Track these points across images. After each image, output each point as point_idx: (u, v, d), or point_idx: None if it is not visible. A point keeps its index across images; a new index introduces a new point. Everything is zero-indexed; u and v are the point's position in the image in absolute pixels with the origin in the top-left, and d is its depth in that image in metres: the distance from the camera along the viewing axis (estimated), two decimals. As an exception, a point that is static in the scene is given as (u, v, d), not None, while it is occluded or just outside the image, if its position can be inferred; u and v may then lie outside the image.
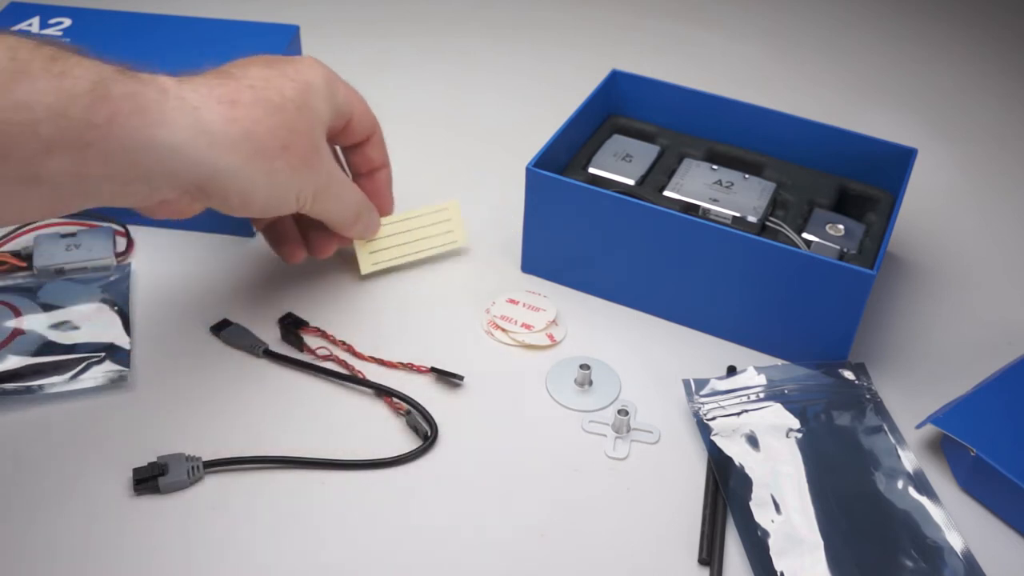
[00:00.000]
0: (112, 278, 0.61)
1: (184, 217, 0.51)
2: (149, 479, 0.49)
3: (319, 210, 0.55)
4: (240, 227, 0.66)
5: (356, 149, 0.60)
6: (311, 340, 0.58)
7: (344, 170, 0.61)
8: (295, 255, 0.61)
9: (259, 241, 0.66)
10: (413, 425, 0.53)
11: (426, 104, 0.84)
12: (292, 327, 0.59)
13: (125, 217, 0.66)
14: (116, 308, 0.58)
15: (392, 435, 0.53)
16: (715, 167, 0.65)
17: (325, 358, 0.57)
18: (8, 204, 0.43)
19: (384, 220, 0.63)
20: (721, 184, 0.64)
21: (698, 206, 0.62)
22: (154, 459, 0.50)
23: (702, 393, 0.56)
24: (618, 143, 0.68)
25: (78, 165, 0.42)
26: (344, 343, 0.58)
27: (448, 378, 0.56)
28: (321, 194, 0.54)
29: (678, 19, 1.02)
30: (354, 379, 0.56)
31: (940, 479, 0.53)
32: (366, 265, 0.63)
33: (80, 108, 0.41)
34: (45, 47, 0.41)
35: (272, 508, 0.49)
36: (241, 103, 0.48)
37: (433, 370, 0.56)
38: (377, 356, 0.57)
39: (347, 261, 0.64)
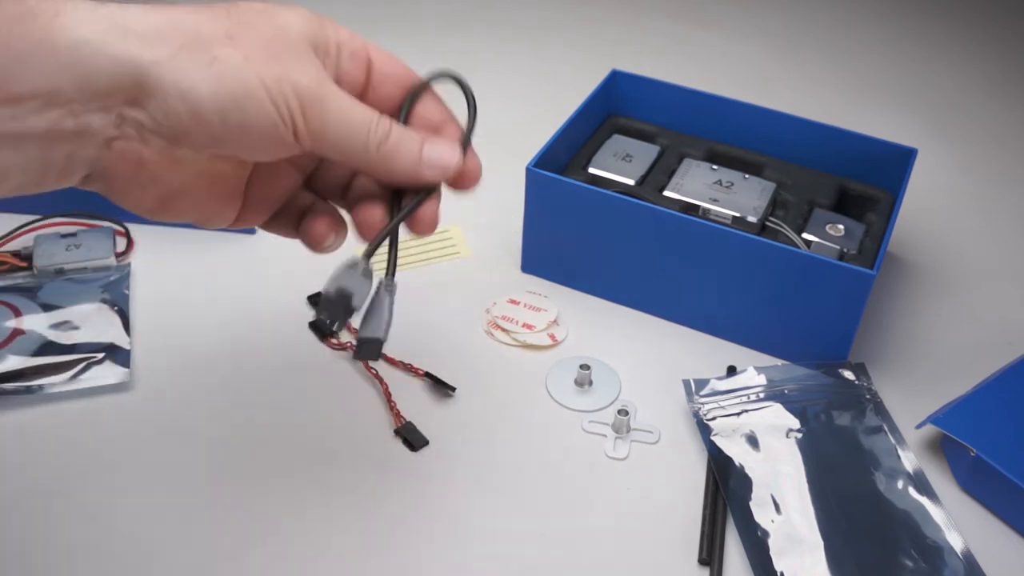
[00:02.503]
0: (112, 278, 0.61)
1: (171, 202, 0.41)
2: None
3: (319, 133, 0.40)
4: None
5: (407, 108, 0.45)
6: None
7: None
8: (319, 234, 0.45)
9: (260, 239, 0.66)
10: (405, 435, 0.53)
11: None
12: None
13: (125, 216, 0.66)
14: (116, 308, 0.58)
15: (390, 437, 0.54)
16: (715, 167, 0.65)
17: (341, 347, 0.58)
18: None
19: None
20: (721, 184, 0.64)
21: (698, 206, 0.62)
22: None
23: (702, 393, 0.56)
24: (618, 143, 0.68)
25: None
26: (357, 330, 0.58)
27: (442, 387, 0.56)
28: (310, 103, 0.39)
29: (678, 19, 1.02)
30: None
31: (940, 479, 0.53)
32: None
33: None
34: None
35: (272, 508, 0.49)
36: (168, 7, 0.38)
37: (428, 376, 0.56)
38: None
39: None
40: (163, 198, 0.40)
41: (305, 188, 0.47)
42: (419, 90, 0.45)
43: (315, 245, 0.46)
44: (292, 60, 0.39)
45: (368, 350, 0.44)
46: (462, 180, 0.45)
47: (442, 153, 0.44)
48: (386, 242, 0.44)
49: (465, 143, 0.46)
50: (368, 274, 0.43)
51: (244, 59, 0.38)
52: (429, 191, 0.44)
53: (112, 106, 0.37)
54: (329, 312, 0.43)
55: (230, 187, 0.43)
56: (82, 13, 0.36)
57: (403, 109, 0.44)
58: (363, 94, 0.44)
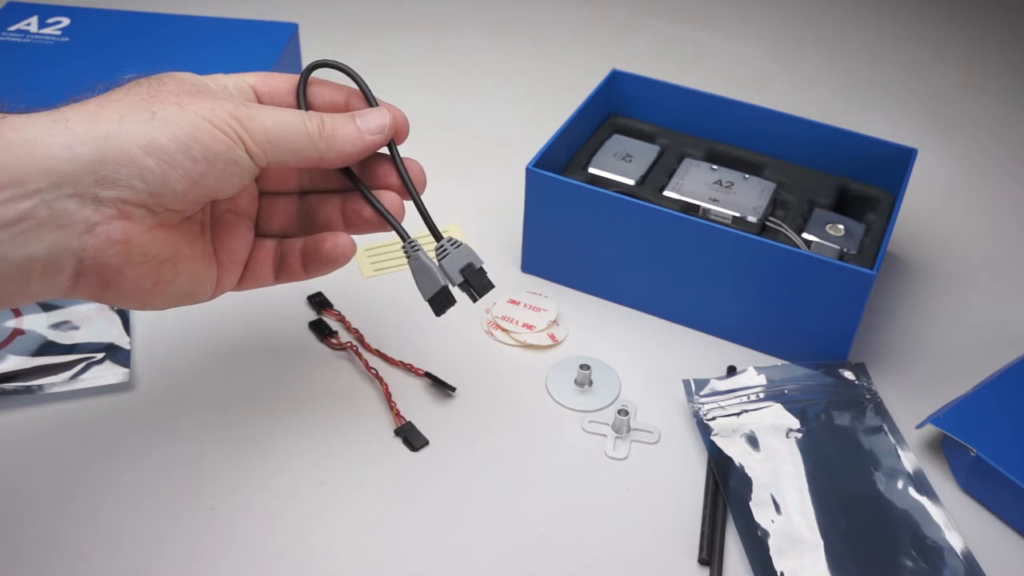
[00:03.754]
0: (112, 278, 0.61)
1: (177, 283, 0.43)
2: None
3: (267, 142, 0.43)
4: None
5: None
6: (331, 324, 0.60)
7: None
8: (337, 249, 0.48)
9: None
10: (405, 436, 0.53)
11: (426, 104, 0.84)
12: (320, 307, 0.61)
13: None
14: (116, 308, 0.58)
15: (388, 437, 0.54)
16: (715, 167, 0.65)
17: (341, 346, 0.58)
18: None
19: (385, 240, 0.64)
20: (721, 184, 0.64)
21: (698, 206, 0.62)
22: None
23: (702, 393, 0.56)
24: (618, 143, 0.68)
25: None
26: (357, 331, 0.59)
27: (442, 387, 0.56)
28: (249, 120, 0.42)
29: (678, 19, 1.02)
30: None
31: (940, 479, 0.53)
32: (367, 270, 0.64)
33: None
34: None
35: (271, 508, 0.49)
36: (87, 98, 0.41)
37: (428, 376, 0.56)
38: (381, 351, 0.58)
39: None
40: (157, 271, 0.42)
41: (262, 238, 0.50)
42: (303, 80, 0.48)
43: (297, 277, 0.49)
44: (209, 98, 0.42)
45: (441, 304, 0.48)
46: (398, 133, 0.49)
47: (373, 118, 0.48)
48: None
49: (373, 103, 0.49)
50: (419, 250, 0.48)
51: (175, 105, 0.41)
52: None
53: (85, 191, 0.38)
54: (445, 302, 0.48)
55: (206, 247, 0.45)
56: (22, 119, 0.38)
57: (299, 99, 0.48)
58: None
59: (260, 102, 0.47)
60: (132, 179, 0.39)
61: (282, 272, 0.49)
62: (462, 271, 0.48)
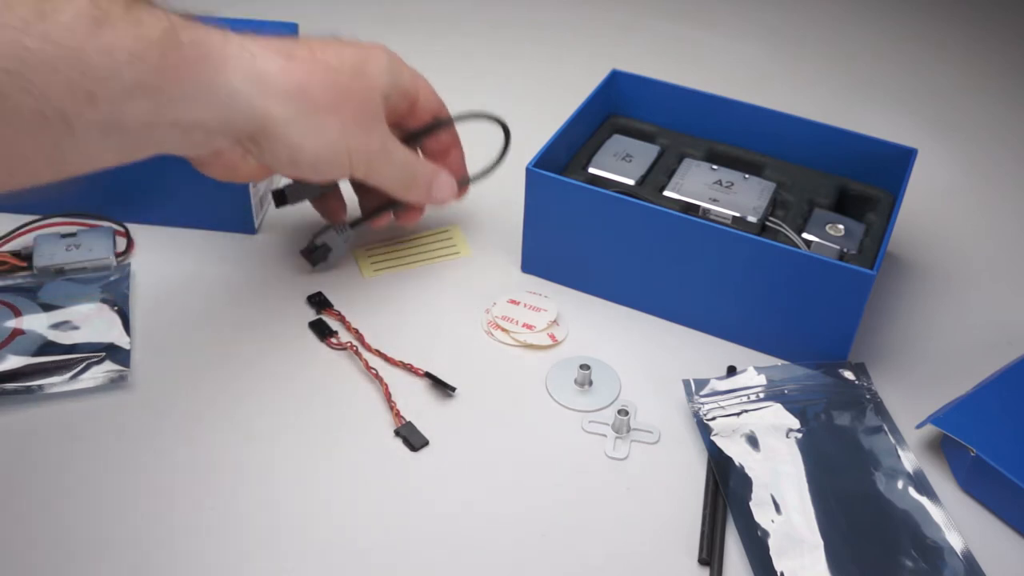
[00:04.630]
0: (112, 278, 0.61)
1: (235, 179, 0.53)
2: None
3: (374, 177, 0.56)
4: (241, 224, 0.66)
5: (427, 134, 0.61)
6: (331, 324, 0.60)
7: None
8: (337, 213, 0.63)
9: (260, 239, 0.66)
10: (404, 435, 0.53)
11: (426, 104, 0.84)
12: (320, 307, 0.61)
13: (125, 216, 0.66)
14: (116, 308, 0.58)
15: (390, 437, 0.54)
16: (715, 167, 0.65)
17: (341, 346, 0.58)
18: (88, 151, 0.44)
19: (385, 240, 0.65)
20: (721, 184, 0.64)
21: (698, 206, 0.62)
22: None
23: (702, 393, 0.56)
24: (618, 143, 0.68)
25: (152, 110, 0.44)
26: (357, 331, 0.59)
27: (442, 387, 0.56)
28: (375, 161, 0.55)
29: (678, 19, 1.02)
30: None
31: (940, 479, 0.53)
32: (367, 270, 0.64)
33: (155, 54, 0.43)
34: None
35: (271, 508, 0.49)
36: (297, 57, 0.50)
37: (428, 376, 0.56)
38: (381, 351, 0.58)
39: (350, 261, 0.65)
40: (223, 171, 0.53)
41: None
42: (437, 125, 0.61)
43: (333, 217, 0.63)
44: (372, 127, 0.54)
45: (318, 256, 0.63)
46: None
47: (443, 190, 0.61)
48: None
49: (463, 182, 0.63)
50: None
51: (341, 127, 0.52)
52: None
53: (240, 139, 0.50)
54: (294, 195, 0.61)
55: None
56: (241, 62, 0.48)
57: (424, 133, 0.61)
58: (406, 117, 0.59)
59: (411, 110, 0.59)
60: (267, 152, 0.51)
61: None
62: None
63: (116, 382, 0.54)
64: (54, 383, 0.53)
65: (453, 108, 0.63)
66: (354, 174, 0.55)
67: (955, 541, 0.49)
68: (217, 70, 0.47)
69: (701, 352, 0.60)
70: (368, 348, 0.58)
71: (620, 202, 0.59)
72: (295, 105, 0.50)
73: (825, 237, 0.61)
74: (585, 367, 0.57)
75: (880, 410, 0.56)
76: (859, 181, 0.67)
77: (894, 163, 0.65)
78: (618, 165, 0.65)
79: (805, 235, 0.61)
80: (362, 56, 0.54)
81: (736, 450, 0.52)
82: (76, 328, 0.57)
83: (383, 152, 0.55)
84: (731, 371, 0.58)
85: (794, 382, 0.57)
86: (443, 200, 0.61)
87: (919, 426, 0.54)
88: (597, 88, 0.69)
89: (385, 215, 0.63)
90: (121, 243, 0.64)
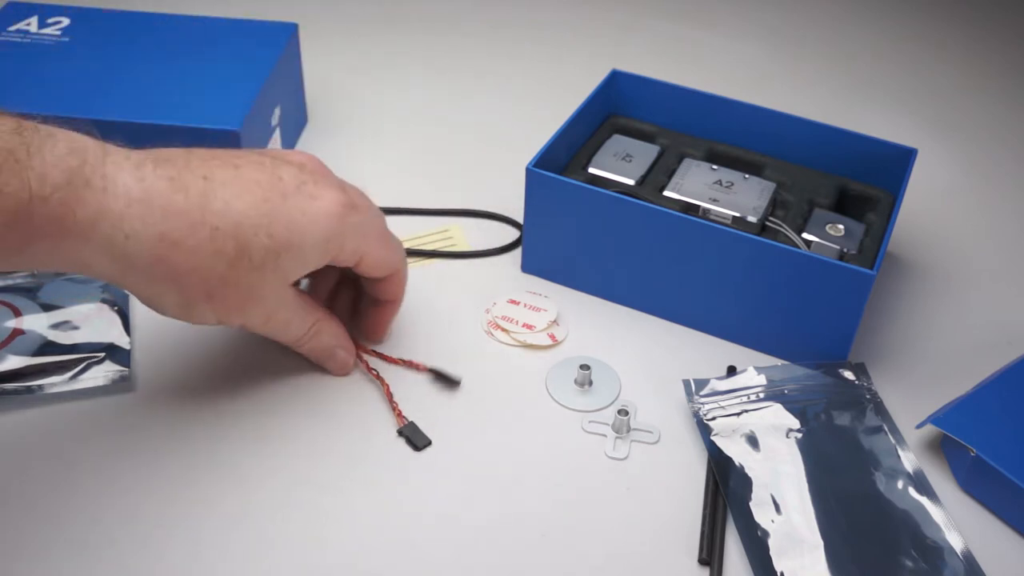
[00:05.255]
0: (112, 278, 0.61)
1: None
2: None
3: (268, 333, 0.52)
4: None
5: (372, 280, 0.56)
6: None
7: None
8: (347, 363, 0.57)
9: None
10: (408, 435, 0.53)
11: (426, 104, 0.84)
12: None
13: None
14: (116, 308, 0.58)
15: (390, 437, 0.54)
16: (715, 167, 0.65)
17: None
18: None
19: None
20: (721, 184, 0.64)
21: (698, 206, 0.62)
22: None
23: (702, 393, 0.56)
24: (618, 143, 0.68)
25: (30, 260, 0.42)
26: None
27: (446, 380, 0.56)
28: (262, 327, 0.51)
29: (678, 19, 1.02)
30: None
31: (940, 479, 0.53)
32: None
33: (6, 221, 0.40)
34: (26, 130, 0.40)
35: (272, 509, 0.49)
36: (183, 247, 0.45)
37: (431, 371, 0.56)
38: (381, 352, 0.58)
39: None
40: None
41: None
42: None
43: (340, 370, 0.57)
44: (252, 305, 0.49)
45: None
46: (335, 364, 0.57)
47: (340, 366, 0.56)
48: None
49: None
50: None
51: (215, 314, 0.48)
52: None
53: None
54: None
55: None
56: (100, 240, 0.43)
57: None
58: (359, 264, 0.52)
59: (359, 266, 0.53)
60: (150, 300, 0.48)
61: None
62: None
63: (116, 382, 0.54)
64: (54, 383, 0.53)
65: (454, 109, 0.62)
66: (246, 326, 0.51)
67: (955, 541, 0.49)
68: (78, 243, 0.43)
69: (701, 352, 0.60)
70: (363, 349, 0.58)
71: (620, 202, 0.59)
72: (159, 287, 0.46)
73: (825, 237, 0.61)
74: (585, 367, 0.57)
75: (880, 410, 0.56)
76: (859, 181, 0.67)
77: (894, 163, 0.65)
78: (618, 165, 0.65)
79: (805, 235, 0.61)
80: (283, 241, 0.47)
81: (736, 450, 0.52)
82: (76, 328, 0.57)
83: (268, 322, 0.51)
84: (731, 371, 0.58)
85: (794, 382, 0.57)
86: (338, 372, 0.56)
87: (919, 426, 0.54)
88: (597, 88, 0.69)
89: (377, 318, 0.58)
90: (121, 243, 0.64)
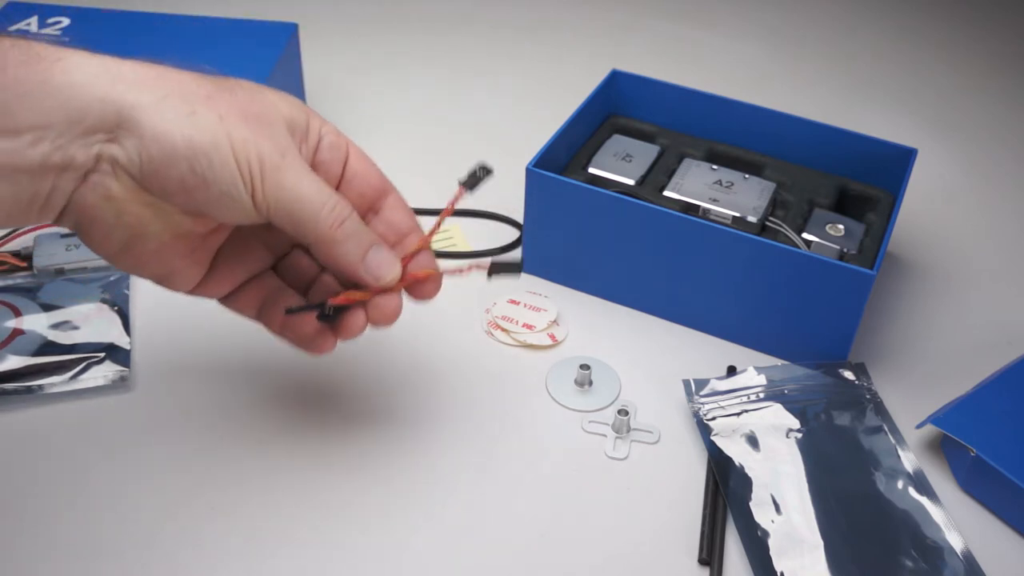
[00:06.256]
0: (112, 278, 0.61)
1: (160, 259, 0.43)
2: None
3: (276, 200, 0.42)
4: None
5: (375, 217, 0.48)
6: None
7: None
8: (324, 343, 0.48)
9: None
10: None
11: (426, 104, 0.84)
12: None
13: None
14: (116, 308, 0.58)
15: (390, 438, 0.54)
16: (715, 167, 0.65)
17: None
18: None
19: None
20: (721, 184, 0.64)
21: (698, 206, 0.62)
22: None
23: (702, 393, 0.56)
24: (618, 143, 0.68)
25: None
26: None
27: (508, 268, 0.50)
28: (273, 171, 0.41)
29: (678, 19, 1.02)
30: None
31: (940, 479, 0.53)
32: None
33: None
34: None
35: (271, 508, 0.49)
36: (161, 65, 0.41)
37: (493, 264, 0.50)
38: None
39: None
40: (127, 241, 0.42)
41: (274, 272, 0.49)
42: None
43: (272, 328, 0.48)
44: (262, 129, 0.41)
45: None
46: (416, 290, 0.48)
47: (381, 263, 0.45)
48: None
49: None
50: None
51: (219, 118, 0.40)
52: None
53: (94, 142, 0.39)
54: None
55: (197, 248, 0.45)
56: (80, 59, 0.39)
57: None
58: (336, 187, 0.46)
59: (342, 175, 0.46)
60: (132, 151, 0.40)
61: (263, 316, 0.48)
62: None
63: (116, 382, 0.54)
64: (54, 383, 0.54)
65: (454, 109, 0.62)
66: (247, 191, 0.41)
67: (955, 541, 0.49)
68: (51, 67, 0.38)
69: (701, 352, 0.60)
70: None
71: (620, 202, 0.59)
72: (154, 91, 0.40)
73: (825, 237, 0.61)
74: (585, 367, 0.57)
75: (880, 410, 0.56)
76: (859, 181, 0.67)
77: (894, 163, 0.65)
78: (618, 165, 0.65)
79: (805, 235, 0.61)
80: (248, 82, 0.43)
81: (736, 450, 0.52)
82: (76, 328, 0.57)
83: (280, 160, 0.41)
84: (731, 371, 0.58)
85: (794, 382, 0.57)
86: (379, 276, 0.45)
87: (919, 426, 0.54)
88: (597, 88, 0.69)
89: (356, 312, 0.47)
90: (121, 243, 0.64)
